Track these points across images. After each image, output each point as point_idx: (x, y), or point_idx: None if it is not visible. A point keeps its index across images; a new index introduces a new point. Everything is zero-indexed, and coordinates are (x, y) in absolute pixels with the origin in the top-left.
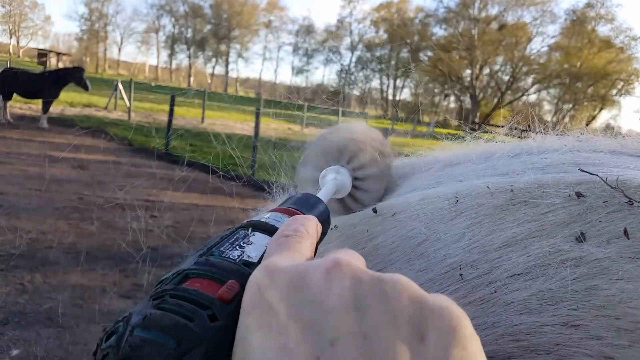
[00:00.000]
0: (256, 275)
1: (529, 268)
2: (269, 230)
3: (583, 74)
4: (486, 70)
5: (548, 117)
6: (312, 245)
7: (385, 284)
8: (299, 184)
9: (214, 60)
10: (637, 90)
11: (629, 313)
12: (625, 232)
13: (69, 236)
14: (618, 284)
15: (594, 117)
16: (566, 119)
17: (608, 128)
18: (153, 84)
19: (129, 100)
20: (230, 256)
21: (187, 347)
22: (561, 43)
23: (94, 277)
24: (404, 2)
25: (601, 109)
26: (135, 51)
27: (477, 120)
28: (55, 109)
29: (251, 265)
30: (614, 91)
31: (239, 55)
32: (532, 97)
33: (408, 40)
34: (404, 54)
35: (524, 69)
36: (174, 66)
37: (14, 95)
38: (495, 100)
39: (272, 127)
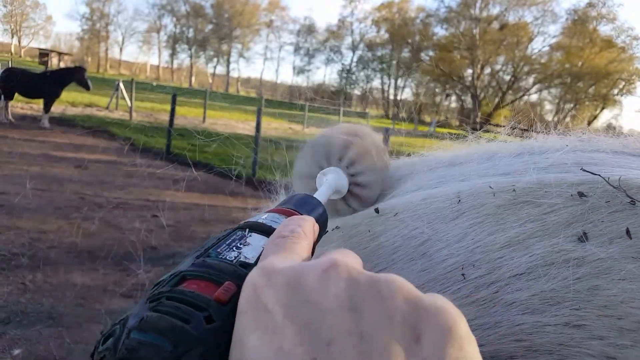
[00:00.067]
0: (252, 276)
1: (531, 268)
2: (266, 231)
3: (584, 74)
4: (487, 70)
5: (549, 117)
6: (309, 245)
7: (381, 284)
8: (296, 185)
9: (215, 60)
10: (639, 89)
11: (631, 313)
12: (628, 232)
13: (70, 236)
14: (620, 284)
15: (595, 117)
16: (567, 119)
17: (609, 128)
18: (154, 83)
19: (131, 100)
20: (227, 257)
21: (183, 349)
22: (562, 43)
23: (96, 277)
24: (405, 2)
25: (602, 108)
26: (137, 51)
27: (478, 120)
28: (56, 108)
29: (248, 267)
30: (616, 91)
31: (241, 55)
32: (534, 97)
33: (409, 40)
34: (405, 53)
35: (525, 69)
36: (175, 66)
37: (16, 95)
38: (497, 100)
39: (273, 126)
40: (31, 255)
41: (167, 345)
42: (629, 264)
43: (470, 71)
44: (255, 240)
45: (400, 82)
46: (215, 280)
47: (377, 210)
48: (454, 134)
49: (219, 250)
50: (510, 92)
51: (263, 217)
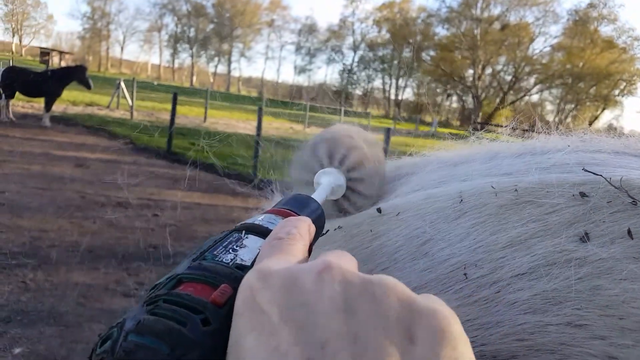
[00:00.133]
0: (248, 279)
1: (533, 268)
2: (263, 232)
3: (585, 74)
4: (488, 70)
5: (550, 118)
6: (305, 247)
7: (375, 286)
8: (294, 185)
9: (216, 59)
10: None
11: (633, 313)
12: (629, 232)
13: (71, 234)
14: (622, 284)
15: (596, 118)
16: (568, 119)
17: (610, 128)
18: (156, 82)
19: (132, 99)
20: (224, 260)
21: (180, 352)
22: (563, 43)
23: (97, 276)
24: (407, 2)
25: (603, 109)
26: (138, 50)
27: (479, 120)
28: (57, 107)
29: (244, 269)
30: (617, 91)
31: (242, 55)
32: (535, 97)
33: (410, 40)
34: (407, 53)
35: (527, 69)
36: (176, 65)
37: (17, 93)
38: (498, 100)
39: (275, 126)
40: (32, 254)
41: (164, 348)
42: (631, 264)
43: (471, 71)
44: (252, 242)
45: (401, 82)
46: (211, 282)
47: (379, 210)
48: (455, 134)
49: (215, 252)
50: (511, 92)
51: (260, 219)
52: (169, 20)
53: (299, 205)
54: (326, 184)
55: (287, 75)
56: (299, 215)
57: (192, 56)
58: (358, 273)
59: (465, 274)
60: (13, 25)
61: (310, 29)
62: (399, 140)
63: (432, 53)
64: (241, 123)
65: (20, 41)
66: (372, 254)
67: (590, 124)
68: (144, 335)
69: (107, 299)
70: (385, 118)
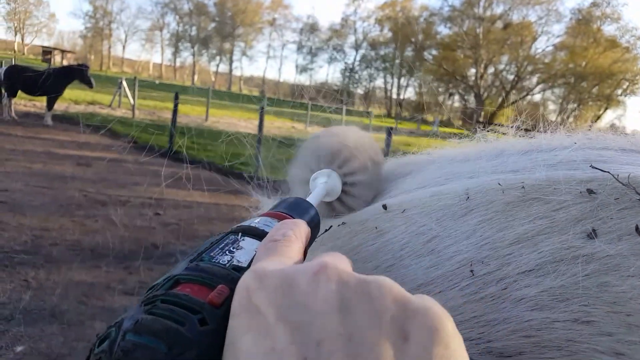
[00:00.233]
0: (245, 280)
1: (540, 264)
2: (259, 235)
3: (588, 74)
4: (491, 70)
5: (553, 117)
6: (301, 249)
7: (370, 286)
8: (291, 186)
9: (218, 58)
10: None
11: None
12: (637, 228)
13: (73, 233)
14: (629, 281)
15: (598, 117)
16: (571, 119)
17: (613, 128)
18: (157, 81)
19: (133, 98)
20: (220, 261)
21: (178, 351)
22: (566, 42)
23: (98, 274)
24: (409, 1)
25: (606, 108)
26: (140, 49)
27: (481, 119)
28: (59, 106)
29: (241, 270)
30: (619, 91)
31: (243, 54)
32: (537, 97)
33: (412, 39)
34: (409, 52)
35: (529, 68)
36: (178, 64)
37: (19, 92)
38: (500, 99)
39: (276, 125)
40: (34, 253)
41: (162, 347)
42: (638, 261)
43: (473, 70)
44: (248, 244)
45: (403, 81)
46: (208, 283)
47: (384, 207)
48: (458, 133)
49: (212, 254)
50: (513, 91)
51: (256, 221)
52: (170, 19)
53: (294, 208)
54: (322, 186)
55: (289, 74)
56: (295, 218)
57: (193, 55)
58: (353, 273)
59: (471, 271)
60: (15, 24)
61: (312, 28)
62: (400, 140)
63: (434, 52)
64: (242, 122)
65: (23, 40)
66: (377, 251)
67: (593, 123)
68: (141, 335)
69: (109, 298)
70: (387, 117)
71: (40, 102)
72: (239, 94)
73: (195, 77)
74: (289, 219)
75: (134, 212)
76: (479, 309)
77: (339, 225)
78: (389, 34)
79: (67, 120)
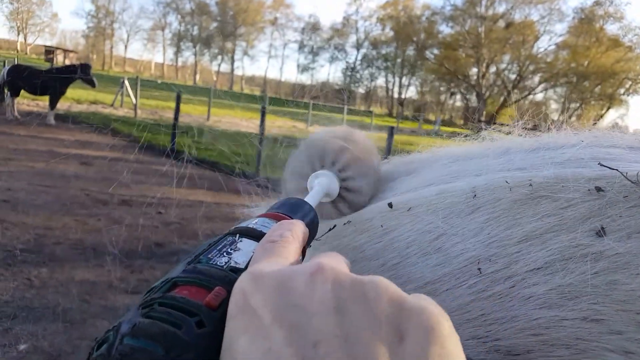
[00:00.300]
0: (241, 281)
1: (549, 262)
2: (256, 236)
3: (590, 73)
4: (493, 69)
5: (555, 116)
6: (298, 249)
7: (366, 286)
8: (289, 186)
9: (219, 57)
10: None
11: None
12: None
13: (76, 232)
14: (639, 279)
15: (601, 117)
16: (573, 118)
17: (615, 127)
18: (159, 81)
19: (135, 97)
20: (218, 263)
21: (175, 354)
22: (569, 41)
23: (101, 273)
24: (411, 0)
25: (608, 108)
26: (142, 48)
27: (483, 119)
28: (62, 105)
29: (238, 272)
30: (622, 90)
31: (245, 53)
32: (539, 96)
33: (414, 38)
34: (410, 51)
35: (531, 68)
36: (179, 64)
37: (22, 91)
38: (502, 99)
39: (277, 124)
40: (37, 251)
41: (160, 351)
42: None
43: (475, 70)
44: (246, 245)
45: (404, 80)
46: (206, 285)
47: (390, 205)
48: (460, 132)
49: (209, 256)
50: (515, 91)
51: (254, 222)
52: (172, 18)
53: (292, 208)
54: (320, 186)
55: (290, 73)
56: (292, 218)
57: (195, 54)
58: (350, 274)
59: (479, 269)
60: (18, 24)
61: (313, 27)
62: (402, 139)
63: (435, 51)
64: (244, 121)
65: (25, 39)
66: (383, 249)
67: (595, 122)
68: (139, 338)
69: (111, 296)
70: (389, 116)
71: (43, 102)
72: (241, 94)
73: (197, 77)
74: (287, 219)
75: (136, 211)
76: (487, 307)
77: (344, 224)
78: (391, 33)
79: (69, 120)
